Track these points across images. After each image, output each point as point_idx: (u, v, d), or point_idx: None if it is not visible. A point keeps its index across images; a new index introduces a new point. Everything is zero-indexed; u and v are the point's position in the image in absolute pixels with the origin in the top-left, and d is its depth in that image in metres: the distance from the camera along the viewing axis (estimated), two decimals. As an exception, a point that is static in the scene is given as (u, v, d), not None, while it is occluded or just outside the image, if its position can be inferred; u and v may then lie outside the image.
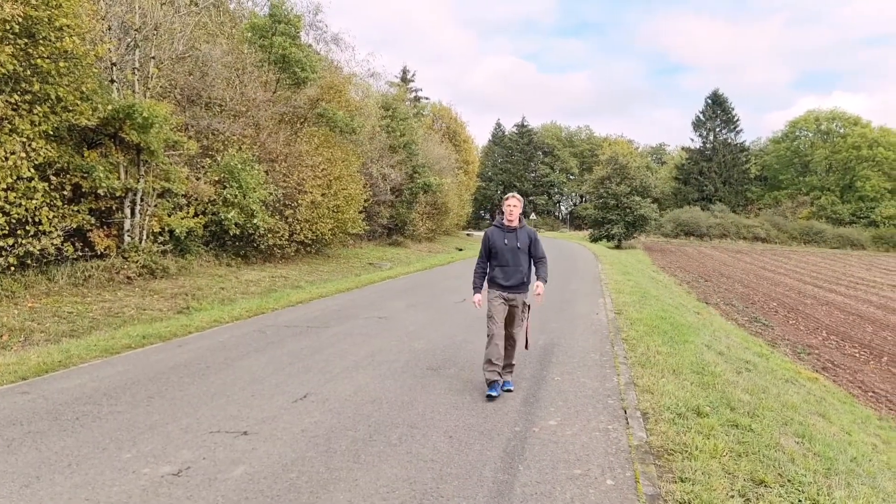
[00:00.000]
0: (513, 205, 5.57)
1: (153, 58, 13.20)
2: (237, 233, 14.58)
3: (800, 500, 3.62)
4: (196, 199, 13.67)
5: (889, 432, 7.04)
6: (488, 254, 5.67)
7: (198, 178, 13.94)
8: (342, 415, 4.84)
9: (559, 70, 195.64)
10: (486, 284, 5.73)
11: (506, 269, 5.53)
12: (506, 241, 5.54)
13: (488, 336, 5.49)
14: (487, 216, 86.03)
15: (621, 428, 4.65)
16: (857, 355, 12.14)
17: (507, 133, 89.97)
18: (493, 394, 5.35)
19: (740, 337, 11.80)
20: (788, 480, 3.87)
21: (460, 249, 34.20)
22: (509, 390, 5.63)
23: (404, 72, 51.92)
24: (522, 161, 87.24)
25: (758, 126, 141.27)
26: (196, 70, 15.23)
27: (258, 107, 16.83)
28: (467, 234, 52.55)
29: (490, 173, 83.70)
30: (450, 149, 42.48)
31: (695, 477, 3.74)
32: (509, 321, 5.60)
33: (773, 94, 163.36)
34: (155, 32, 13.17)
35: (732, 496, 3.54)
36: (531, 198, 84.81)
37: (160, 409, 4.89)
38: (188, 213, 13.05)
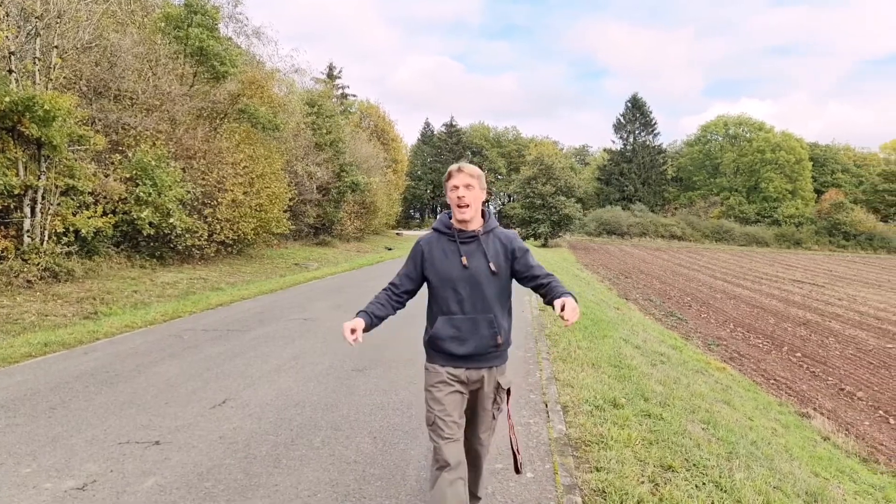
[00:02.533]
0: (464, 183, 2.79)
1: (56, 47, 12.39)
2: (151, 233, 13.91)
3: (703, 483, 3.81)
4: (105, 198, 12.94)
5: (787, 417, 7.55)
6: (418, 282, 2.95)
7: (106, 175, 13.20)
8: (263, 420, 4.71)
9: (487, 71, 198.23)
10: (430, 341, 2.90)
11: (457, 320, 2.79)
12: (462, 259, 2.79)
13: (434, 459, 2.78)
14: (417, 215, 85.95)
15: (542, 422, 4.75)
16: (761, 346, 12.95)
17: (436, 132, 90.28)
18: None
19: (657, 331, 12.34)
20: (694, 465, 4.08)
21: (389, 249, 34.07)
22: None
23: (330, 68, 51.13)
24: (451, 160, 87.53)
25: (674, 129, 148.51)
26: (104, 61, 14.40)
27: (173, 101, 16.10)
28: (397, 234, 52.37)
29: (419, 172, 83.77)
30: (378, 147, 42.14)
31: (609, 466, 3.87)
32: (472, 421, 2.97)
33: (687, 99, 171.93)
34: (58, 20, 12.37)
35: (643, 482, 3.69)
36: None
37: (63, 420, 4.60)
38: (96, 212, 12.32)
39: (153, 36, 16.50)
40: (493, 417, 2.99)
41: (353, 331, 2.69)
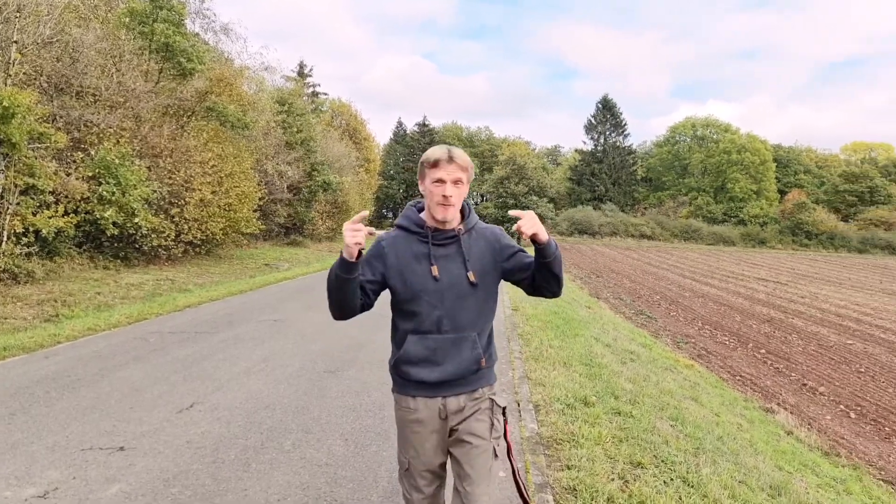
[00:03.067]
0: (453, 178, 2.18)
1: (16, 42, 12.01)
2: (115, 233, 13.59)
3: (671, 479, 3.87)
4: (66, 197, 12.59)
5: (752, 412, 7.71)
6: (378, 291, 2.30)
7: (68, 174, 12.85)
8: (232, 423, 4.63)
9: (459, 71, 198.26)
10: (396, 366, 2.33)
11: (432, 339, 2.22)
12: (433, 265, 2.22)
13: None
14: (390, 215, 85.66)
15: (514, 421, 4.77)
16: (728, 343, 13.21)
17: (408, 132, 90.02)
18: None
19: (627, 329, 12.50)
20: (662, 461, 4.14)
21: (363, 248, 33.84)
22: None
23: (301, 66, 50.63)
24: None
25: (643, 130, 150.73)
26: (66, 56, 14.00)
27: (138, 98, 15.74)
28: (370, 234, 52.00)
29: (392, 172, 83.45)
30: (350, 146, 41.80)
31: (580, 464, 3.90)
32: (463, 473, 2.25)
33: (656, 100, 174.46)
34: (18, 14, 11.99)
35: (613, 479, 3.73)
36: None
37: (23, 426, 4.46)
38: (57, 211, 11.98)
39: (117, 31, 16.11)
40: (495, 455, 2.27)
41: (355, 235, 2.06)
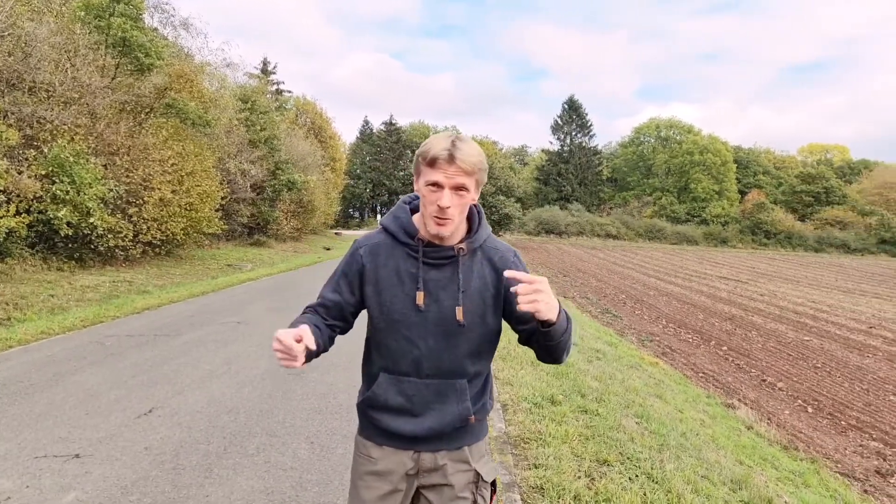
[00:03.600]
0: (454, 185, 1.61)
1: (-37, 34, 11.53)
2: (70, 233, 13.15)
3: (636, 476, 3.91)
4: (18, 196, 12.14)
5: (715, 408, 7.86)
6: (354, 311, 1.85)
7: (20, 172, 12.38)
8: (193, 428, 4.51)
9: (426, 70, 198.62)
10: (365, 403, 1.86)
11: (410, 385, 1.75)
12: (419, 290, 1.71)
13: None
14: (357, 214, 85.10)
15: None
16: (691, 340, 13.47)
17: (375, 131, 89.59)
18: None
19: (593, 328, 12.64)
20: (628, 458, 4.18)
21: (328, 249, 33.56)
22: None
23: (265, 63, 49.85)
24: (391, 159, 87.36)
25: (609, 131, 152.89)
26: (17, 50, 13.49)
27: (94, 94, 15.25)
28: (336, 233, 51.65)
29: (359, 171, 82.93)
30: (315, 145, 41.33)
31: (547, 462, 3.91)
32: None
33: (621, 101, 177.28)
34: (-36, 5, 11.51)
35: (580, 477, 3.75)
36: (399, 197, 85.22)
37: (-30, 436, 4.26)
38: (8, 211, 11.54)
39: (72, 25, 15.58)
40: None
41: (298, 340, 1.51)
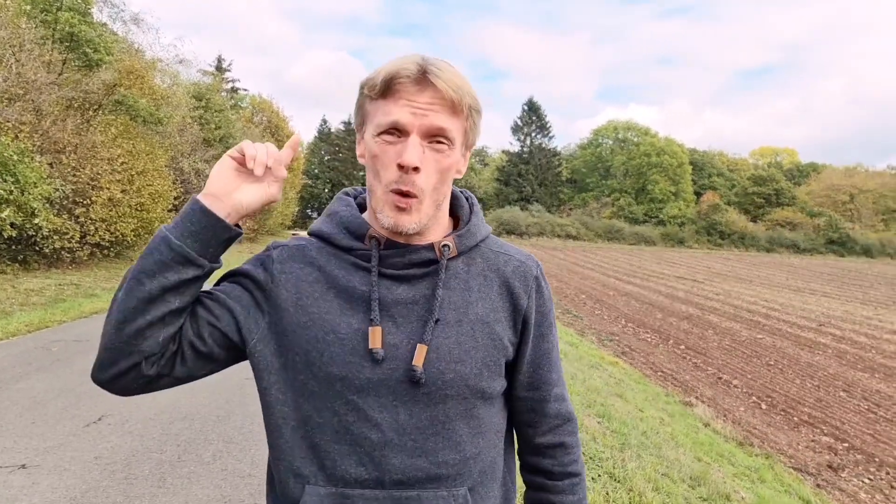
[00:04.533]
0: (425, 125, 0.96)
1: None
2: (13, 235, 12.57)
3: (599, 475, 3.92)
4: (-42, 196, 11.55)
5: (673, 406, 8.00)
6: (225, 344, 1.04)
7: (-39, 171, 11.79)
8: (145, 437, 4.34)
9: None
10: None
11: (362, 499, 0.95)
12: (374, 321, 0.98)
13: None
14: (315, 215, 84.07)
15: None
16: (650, 339, 13.71)
17: (333, 130, 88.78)
18: None
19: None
20: (590, 458, 4.19)
21: (284, 249, 33.04)
22: None
23: (219, 60, 48.87)
24: (350, 159, 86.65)
25: (569, 132, 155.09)
26: (-44, 43, 12.87)
27: (39, 90, 14.64)
28: (293, 234, 50.88)
29: (317, 171, 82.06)
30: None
31: (514, 464, 3.88)
32: None
33: (581, 102, 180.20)
34: None
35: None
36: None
37: None
38: (-53, 211, 10.98)
39: (17, 19, 14.93)
40: None
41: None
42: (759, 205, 71.95)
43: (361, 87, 1.03)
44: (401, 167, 0.96)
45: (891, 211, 70.41)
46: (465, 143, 1.06)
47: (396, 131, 0.98)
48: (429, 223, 1.03)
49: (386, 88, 0.98)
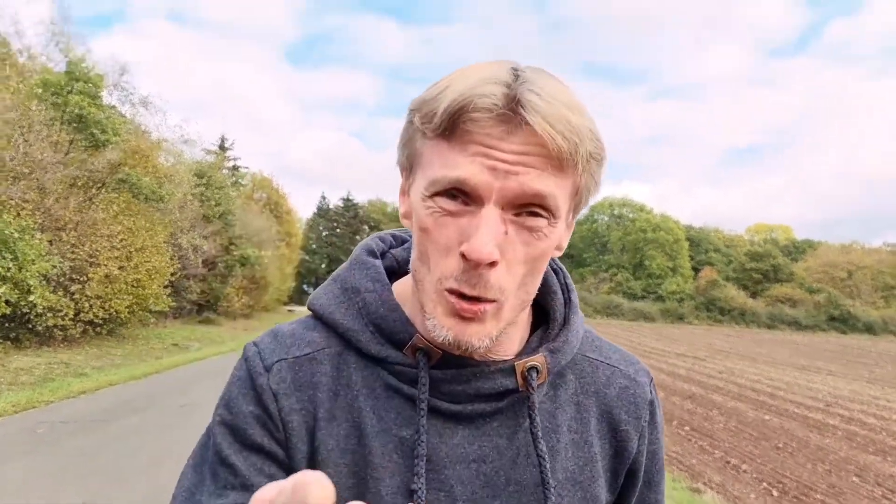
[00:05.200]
0: (511, 191, 0.60)
1: None
2: (7, 312, 12.42)
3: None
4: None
5: (681, 493, 7.65)
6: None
7: (-42, 247, 11.78)
8: (126, 528, 4.08)
9: (385, 146, 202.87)
10: None
11: None
12: (417, 485, 0.65)
13: None
14: (311, 290, 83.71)
15: None
16: (652, 418, 13.33)
17: (332, 206, 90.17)
18: None
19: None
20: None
21: (280, 326, 32.68)
22: None
23: (223, 140, 50.07)
24: (348, 235, 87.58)
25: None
26: (-34, 124, 13.18)
27: (45, 169, 14.89)
28: (289, 311, 50.59)
29: (314, 246, 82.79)
30: (271, 220, 41.16)
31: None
32: None
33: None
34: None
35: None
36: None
37: None
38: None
39: (28, 101, 15.39)
40: None
41: None
42: (758, 280, 72.15)
43: (411, 113, 0.66)
44: (465, 258, 0.61)
45: (889, 287, 70.59)
46: (575, 207, 0.70)
47: (463, 195, 0.62)
48: (494, 335, 0.67)
49: (452, 125, 0.61)
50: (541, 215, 0.63)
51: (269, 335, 0.76)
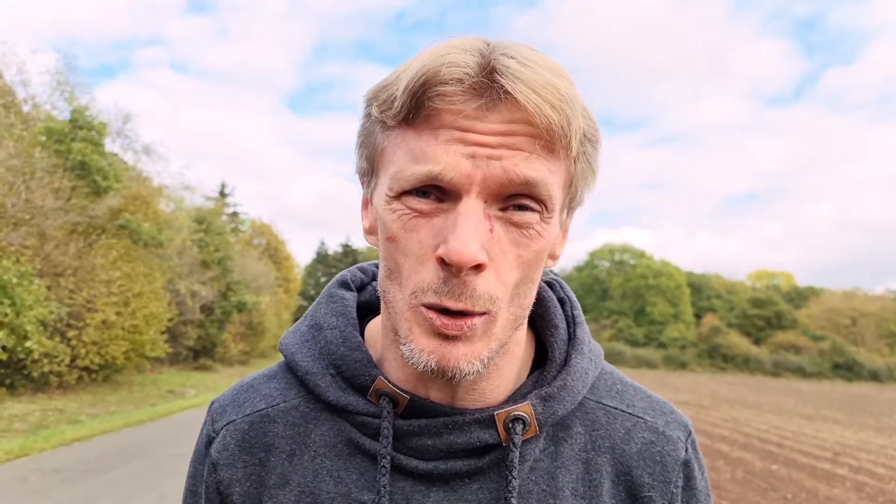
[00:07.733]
0: (495, 177, 0.49)
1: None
2: (3, 358, 12.28)
3: None
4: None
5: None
6: None
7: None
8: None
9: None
10: None
11: None
12: None
13: None
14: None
15: None
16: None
17: (330, 252, 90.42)
18: None
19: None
20: None
21: (277, 373, 32.33)
22: None
23: (223, 186, 50.51)
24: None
25: (564, 254, 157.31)
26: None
27: (46, 215, 14.97)
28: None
29: (313, 292, 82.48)
30: (269, 266, 41.17)
31: None
32: None
33: (574, 227, 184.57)
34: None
35: None
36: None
37: None
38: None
39: (31, 149, 15.59)
40: None
41: None
42: (761, 327, 71.73)
43: (368, 104, 0.56)
44: (444, 263, 0.50)
45: (893, 334, 70.13)
46: (569, 203, 0.62)
47: (436, 190, 0.52)
48: (491, 369, 0.58)
49: (416, 105, 0.50)
50: (531, 208, 0.53)
51: (232, 390, 0.71)
